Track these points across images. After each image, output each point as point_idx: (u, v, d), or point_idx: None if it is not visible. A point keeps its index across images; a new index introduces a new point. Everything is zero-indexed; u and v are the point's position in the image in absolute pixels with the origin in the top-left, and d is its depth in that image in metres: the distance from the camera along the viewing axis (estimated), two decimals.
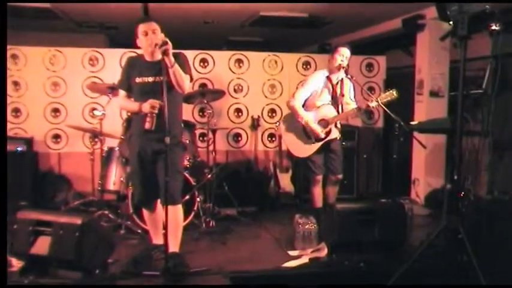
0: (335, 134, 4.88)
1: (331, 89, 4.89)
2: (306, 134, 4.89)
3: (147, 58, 3.84)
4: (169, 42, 3.55)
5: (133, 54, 4.27)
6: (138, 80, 3.81)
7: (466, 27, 3.42)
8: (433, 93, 6.21)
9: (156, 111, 3.64)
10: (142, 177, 3.93)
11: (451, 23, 3.54)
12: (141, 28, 3.74)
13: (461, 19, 3.43)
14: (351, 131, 6.49)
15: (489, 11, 3.37)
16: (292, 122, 4.97)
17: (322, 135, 4.80)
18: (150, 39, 3.70)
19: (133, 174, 4.07)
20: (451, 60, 6.15)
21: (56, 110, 6.22)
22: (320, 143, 4.85)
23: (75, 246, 3.49)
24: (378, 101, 4.58)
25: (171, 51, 3.56)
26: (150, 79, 3.78)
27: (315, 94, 4.86)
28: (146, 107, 3.68)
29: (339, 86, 4.92)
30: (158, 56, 3.64)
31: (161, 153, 3.72)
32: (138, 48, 3.88)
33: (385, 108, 4.61)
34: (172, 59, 3.59)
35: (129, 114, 4.75)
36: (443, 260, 3.87)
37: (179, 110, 4.01)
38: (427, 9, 6.00)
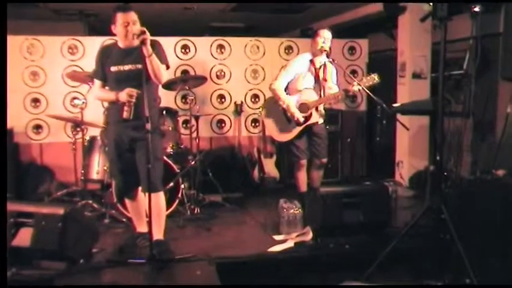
0: (315, 118, 4.84)
1: (314, 73, 4.86)
2: (286, 118, 4.87)
3: (122, 46, 3.78)
4: (147, 32, 3.49)
5: (108, 42, 4.18)
6: (113, 69, 3.76)
7: (446, 8, 3.43)
8: (416, 75, 6.22)
9: (134, 100, 3.60)
10: (120, 166, 3.90)
11: (431, 4, 3.54)
12: (121, 18, 3.66)
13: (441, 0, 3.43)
14: (334, 115, 6.49)
15: None
16: (273, 106, 4.93)
17: (302, 120, 4.77)
18: (130, 30, 3.64)
19: (112, 163, 4.05)
20: (433, 42, 6.16)
21: (36, 100, 6.13)
22: (300, 128, 4.81)
23: (58, 236, 3.47)
24: (359, 85, 4.57)
25: (148, 40, 3.50)
26: (126, 67, 3.73)
27: (297, 77, 4.82)
28: (123, 96, 3.64)
29: (321, 70, 4.88)
30: (134, 43, 3.59)
31: (138, 141, 3.71)
32: (115, 35, 3.81)
33: (368, 91, 4.59)
34: (150, 49, 3.54)
35: None
36: (427, 240, 3.92)
37: (156, 97, 3.97)
38: None
